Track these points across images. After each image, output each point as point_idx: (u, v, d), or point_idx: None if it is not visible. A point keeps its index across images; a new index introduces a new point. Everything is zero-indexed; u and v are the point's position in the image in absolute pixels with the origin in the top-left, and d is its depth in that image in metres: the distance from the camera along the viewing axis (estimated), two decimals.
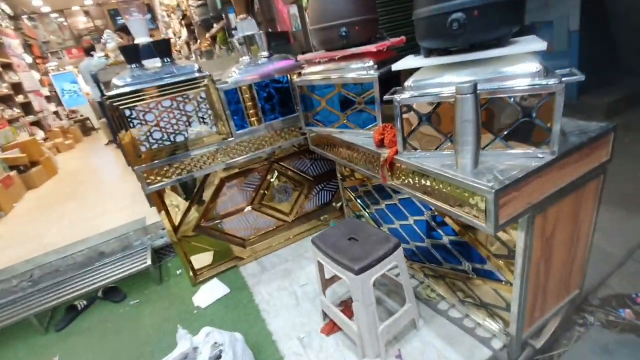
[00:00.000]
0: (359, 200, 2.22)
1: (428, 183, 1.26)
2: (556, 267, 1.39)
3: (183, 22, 6.72)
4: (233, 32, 3.48)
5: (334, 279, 1.77)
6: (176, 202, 2.10)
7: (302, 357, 1.60)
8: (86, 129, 9.52)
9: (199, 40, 5.87)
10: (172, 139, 1.84)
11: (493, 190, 1.00)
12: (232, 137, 1.99)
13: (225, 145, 2.00)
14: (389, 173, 1.44)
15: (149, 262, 2.35)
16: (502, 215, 1.05)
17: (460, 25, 1.05)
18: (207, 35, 4.99)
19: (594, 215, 1.42)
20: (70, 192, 4.14)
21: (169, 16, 8.31)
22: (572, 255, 1.44)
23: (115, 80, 1.77)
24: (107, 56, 3.38)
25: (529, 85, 1.04)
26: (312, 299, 1.95)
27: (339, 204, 2.64)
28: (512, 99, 1.10)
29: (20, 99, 7.11)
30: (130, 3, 1.69)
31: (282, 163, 2.38)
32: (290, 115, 2.13)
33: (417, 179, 1.32)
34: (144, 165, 1.81)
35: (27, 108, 7.35)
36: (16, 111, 6.71)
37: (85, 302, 2.31)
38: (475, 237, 1.43)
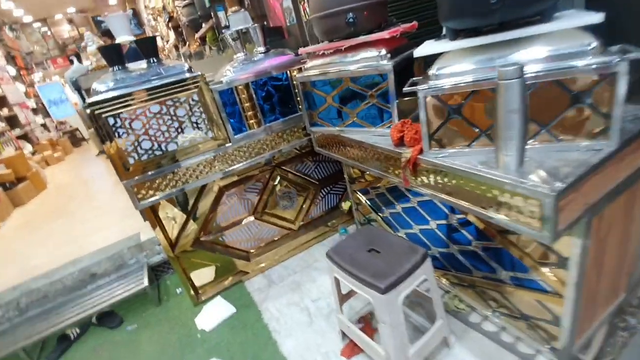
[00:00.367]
0: (370, 204, 2.05)
1: (461, 185, 1.09)
2: (607, 271, 1.22)
3: (170, 24, 6.50)
4: (223, 30, 3.28)
5: (351, 293, 1.60)
6: (172, 215, 1.92)
7: None
8: (76, 140, 9.26)
9: (187, 43, 5.66)
10: (163, 148, 1.65)
11: (554, 194, 0.83)
12: (229, 142, 1.81)
13: (223, 152, 1.81)
14: (413, 175, 1.27)
15: (145, 282, 2.16)
16: (561, 221, 0.89)
17: None
18: (196, 36, 4.79)
19: None
20: (59, 208, 3.93)
21: (155, 20, 8.08)
22: (623, 256, 1.29)
23: (96, 85, 1.58)
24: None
25: (587, 65, 0.87)
26: (326, 315, 1.78)
27: (347, 208, 2.47)
28: (561, 83, 0.93)
29: (5, 112, 6.86)
30: None
31: (284, 167, 2.20)
32: (292, 115, 1.95)
33: (446, 180, 1.15)
34: (133, 178, 1.63)
35: (13, 121, 7.09)
36: (1, 125, 6.46)
37: (78, 330, 2.11)
38: (512, 242, 1.26)
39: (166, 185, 1.72)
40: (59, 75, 10.33)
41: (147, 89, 1.57)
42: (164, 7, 6.83)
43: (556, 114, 0.97)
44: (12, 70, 8.51)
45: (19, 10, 9.48)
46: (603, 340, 1.42)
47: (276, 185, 2.22)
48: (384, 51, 1.37)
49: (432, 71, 1.07)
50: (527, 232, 0.95)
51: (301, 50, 1.69)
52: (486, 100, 1.02)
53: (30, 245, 2.98)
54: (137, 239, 2.48)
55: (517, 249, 1.24)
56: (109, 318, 2.15)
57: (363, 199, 2.09)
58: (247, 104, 1.81)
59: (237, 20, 1.83)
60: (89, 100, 1.50)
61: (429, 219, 1.60)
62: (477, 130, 1.07)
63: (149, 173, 1.64)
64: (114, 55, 1.62)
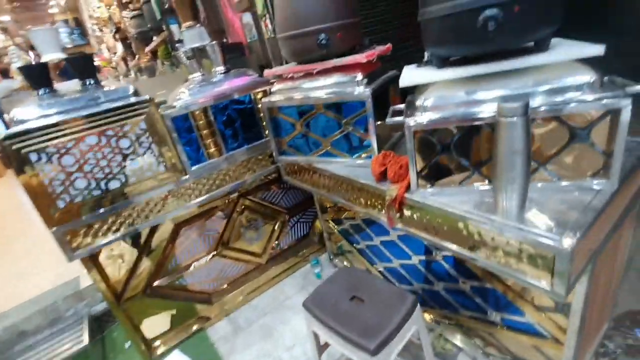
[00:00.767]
0: (344, 235, 1.91)
1: (454, 228, 0.98)
2: (598, 307, 1.17)
3: (117, 36, 6.04)
4: (177, 45, 3.02)
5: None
6: (119, 252, 1.62)
7: None
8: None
9: (137, 56, 5.27)
10: (103, 186, 1.39)
11: (569, 249, 0.73)
12: (186, 175, 1.58)
13: (178, 186, 1.58)
14: (398, 215, 1.14)
15: (86, 339, 1.83)
16: (572, 273, 0.79)
17: (497, 24, 0.78)
18: (147, 49, 4.45)
19: (631, 239, 1.23)
20: None
21: (101, 30, 7.51)
22: (610, 288, 1.25)
23: (16, 113, 1.30)
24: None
25: (595, 100, 0.79)
26: None
27: (317, 237, 2.31)
28: (560, 119, 0.85)
29: None
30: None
31: (249, 197, 1.99)
32: (257, 141, 1.76)
33: (438, 221, 1.03)
34: (64, 224, 1.34)
35: None
36: None
37: None
38: (504, 282, 1.17)
39: (108, 230, 1.45)
40: None
41: (82, 117, 1.31)
42: (110, 18, 6.35)
43: (555, 152, 0.89)
44: None
45: None
46: None
47: (241, 216, 2.00)
48: (360, 76, 1.24)
49: (422, 102, 0.96)
50: (534, 285, 0.85)
51: (267, 72, 1.52)
52: (481, 136, 0.92)
53: None
54: (75, 285, 2.12)
55: (510, 290, 1.15)
56: None
57: (336, 229, 1.95)
58: (205, 131, 1.60)
59: (192, 37, 1.63)
60: (4, 133, 1.21)
61: (411, 253, 1.49)
62: (470, 167, 0.97)
63: (84, 218, 1.36)
64: (38, 76, 1.35)
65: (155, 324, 1.83)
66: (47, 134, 1.26)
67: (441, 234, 1.04)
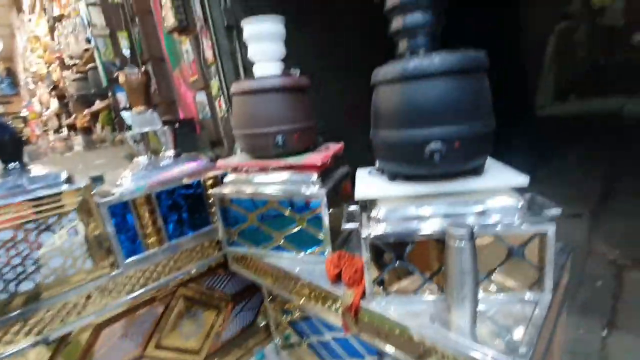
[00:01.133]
0: (293, 326, 1.79)
1: (411, 340, 0.96)
2: None
3: (54, 92, 5.71)
4: (122, 112, 2.92)
5: None
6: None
7: None
8: None
9: (74, 115, 4.97)
10: (12, 289, 1.16)
11: None
12: (118, 268, 1.40)
13: (106, 282, 1.39)
14: (354, 321, 1.11)
15: None
16: None
17: (441, 156, 0.87)
18: (86, 111, 4.23)
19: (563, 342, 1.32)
20: None
21: (35, 84, 7.07)
22: None
23: None
24: None
25: (517, 226, 0.89)
26: None
27: (262, 324, 2.14)
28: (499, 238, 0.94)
29: None
30: None
31: (190, 285, 1.81)
32: (204, 228, 1.67)
33: (396, 332, 1.01)
34: None
35: None
36: None
37: None
38: None
39: (10, 341, 1.18)
40: None
41: None
42: (48, 73, 6.05)
43: (496, 267, 0.96)
44: None
45: None
46: None
47: (179, 307, 1.79)
48: (315, 176, 1.28)
49: (377, 214, 1.00)
50: None
51: (220, 164, 1.50)
52: (432, 247, 0.97)
53: None
54: None
55: None
56: None
57: (284, 320, 1.82)
58: (146, 220, 1.48)
59: (142, 121, 1.58)
60: None
61: (365, 354, 1.42)
62: (422, 277, 1.00)
63: None
64: None
65: None
66: None
67: (397, 343, 1.02)
